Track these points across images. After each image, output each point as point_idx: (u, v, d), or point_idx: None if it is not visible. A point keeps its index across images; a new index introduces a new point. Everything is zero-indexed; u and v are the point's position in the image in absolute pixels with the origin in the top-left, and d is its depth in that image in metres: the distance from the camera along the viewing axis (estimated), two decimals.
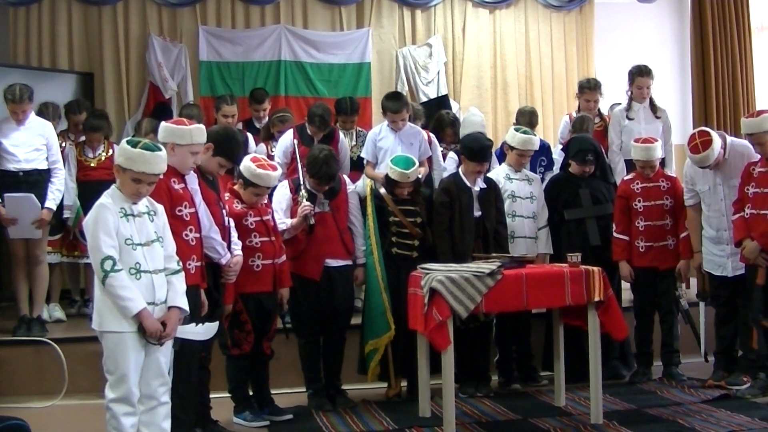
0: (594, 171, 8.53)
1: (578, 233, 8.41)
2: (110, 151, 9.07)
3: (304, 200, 7.40)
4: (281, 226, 7.31)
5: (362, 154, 8.97)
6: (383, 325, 7.68)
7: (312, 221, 7.40)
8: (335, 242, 7.62)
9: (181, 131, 6.11)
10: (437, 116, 9.73)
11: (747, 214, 7.65)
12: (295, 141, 8.45)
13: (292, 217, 7.45)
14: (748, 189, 7.68)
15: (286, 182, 7.49)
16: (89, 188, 8.48)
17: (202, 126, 6.31)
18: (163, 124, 6.29)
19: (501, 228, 8.04)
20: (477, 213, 7.94)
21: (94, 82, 11.43)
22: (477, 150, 7.92)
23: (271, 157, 8.40)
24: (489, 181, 8.09)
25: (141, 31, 11.63)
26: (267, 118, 10.02)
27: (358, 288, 8.04)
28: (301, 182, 7.53)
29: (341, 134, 9.08)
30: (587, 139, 8.79)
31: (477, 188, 7.97)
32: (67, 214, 9.13)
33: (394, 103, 8.79)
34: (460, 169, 8.12)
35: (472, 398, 7.86)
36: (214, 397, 6.96)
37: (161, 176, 5.62)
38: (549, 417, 7.19)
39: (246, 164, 6.97)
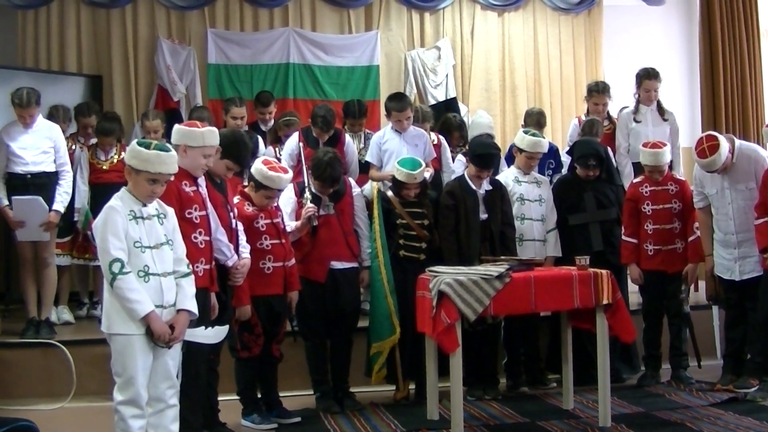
0: (600, 174, 8.51)
1: (582, 238, 8.39)
2: (122, 154, 9.05)
3: (308, 202, 7.41)
4: (286, 229, 7.32)
5: (367, 158, 8.97)
6: (388, 328, 7.67)
7: (315, 223, 7.41)
8: (340, 245, 7.63)
9: (194, 133, 6.13)
10: (444, 119, 9.75)
11: None
12: (301, 144, 8.45)
13: (297, 219, 7.46)
14: None
15: (290, 185, 7.47)
16: (101, 191, 8.48)
17: (214, 129, 6.33)
18: (176, 126, 6.32)
19: (507, 230, 8.04)
20: (483, 216, 7.94)
21: (102, 85, 11.45)
22: (481, 155, 7.92)
23: (278, 160, 8.40)
24: (495, 183, 8.09)
25: (149, 33, 11.66)
26: (273, 121, 10.05)
27: (365, 291, 8.04)
28: (306, 185, 7.54)
29: (348, 137, 9.09)
30: (590, 143, 8.74)
31: (482, 191, 7.97)
32: (77, 216, 9.15)
33: (397, 103, 8.80)
34: (465, 172, 8.12)
35: (480, 401, 7.85)
36: (222, 399, 6.96)
37: (173, 177, 5.64)
38: (557, 420, 7.18)
39: (257, 167, 6.98)
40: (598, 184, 8.51)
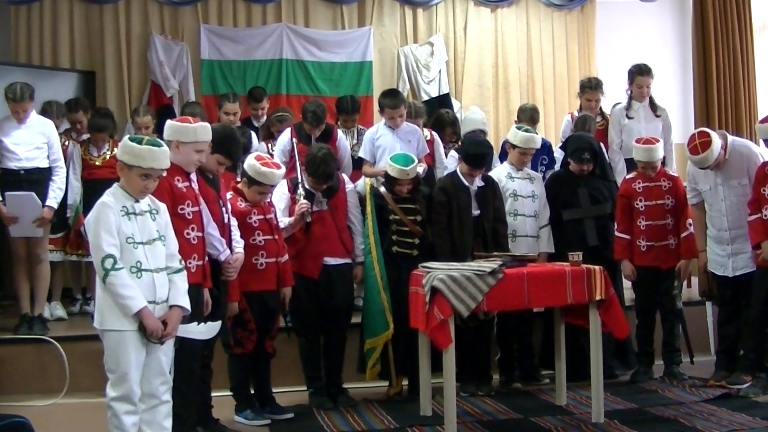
0: (593, 169, 8.52)
1: (576, 233, 8.40)
2: (115, 150, 9.02)
3: (302, 198, 7.41)
4: (279, 225, 7.32)
5: (360, 154, 8.96)
6: (381, 324, 7.68)
7: (308, 219, 7.41)
8: (334, 241, 7.63)
9: (186, 129, 6.12)
10: (436, 115, 9.74)
11: (765, 215, 7.63)
12: (294, 140, 8.44)
13: (290, 216, 7.46)
14: (764, 190, 7.64)
15: (284, 181, 7.48)
16: (94, 187, 8.44)
17: (206, 124, 6.31)
18: (168, 122, 6.31)
19: (500, 226, 8.04)
20: (476, 212, 7.95)
21: (95, 81, 11.43)
22: (473, 155, 7.93)
23: (271, 156, 8.39)
24: (487, 179, 8.09)
25: (143, 29, 11.64)
26: (265, 117, 10.05)
27: (359, 287, 8.04)
28: (300, 181, 7.54)
29: (340, 132, 9.08)
30: (584, 137, 8.77)
31: (475, 187, 7.97)
32: (69, 212, 9.14)
33: (391, 100, 8.79)
34: (457, 168, 8.12)
35: (474, 397, 7.86)
36: (215, 395, 6.96)
37: (165, 173, 5.64)
38: (550, 416, 7.19)
39: (250, 163, 6.98)
40: (591, 179, 8.53)
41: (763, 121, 7.96)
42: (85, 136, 9.43)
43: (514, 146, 8.39)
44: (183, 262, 5.66)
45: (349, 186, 7.89)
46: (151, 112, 9.60)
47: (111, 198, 5.39)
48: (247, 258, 6.78)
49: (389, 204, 7.86)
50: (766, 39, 12.31)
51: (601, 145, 9.04)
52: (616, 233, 8.36)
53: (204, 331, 5.90)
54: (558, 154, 9.59)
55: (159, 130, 8.11)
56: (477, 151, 7.97)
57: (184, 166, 6.10)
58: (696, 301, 9.57)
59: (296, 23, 12.03)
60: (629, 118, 9.67)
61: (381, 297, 7.67)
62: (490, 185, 8.07)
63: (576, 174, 8.51)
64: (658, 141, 8.39)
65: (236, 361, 7.15)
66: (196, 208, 6.10)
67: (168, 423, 5.54)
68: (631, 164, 8.93)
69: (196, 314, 5.84)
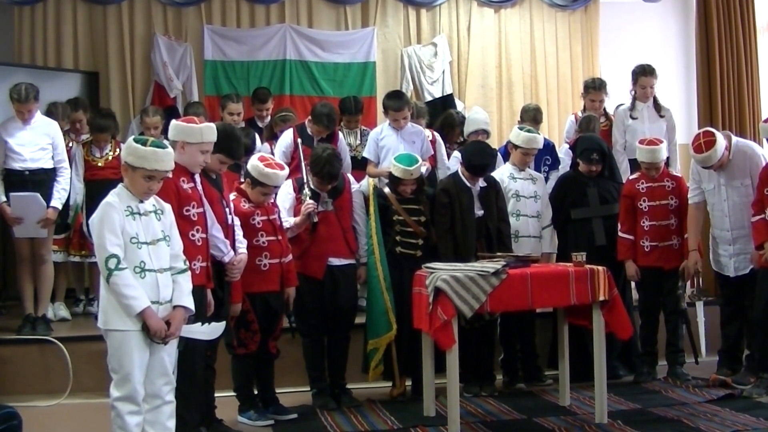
0: (602, 170, 8.52)
1: (584, 233, 8.41)
2: (117, 151, 9.05)
3: (308, 199, 7.41)
4: (285, 225, 7.31)
5: (364, 154, 8.96)
6: (384, 324, 7.68)
7: (315, 219, 7.42)
8: (338, 241, 7.63)
9: (192, 129, 6.12)
10: (446, 115, 9.77)
11: None
12: (299, 140, 8.43)
13: (295, 216, 7.46)
14: None
15: (289, 182, 7.50)
16: (96, 187, 8.48)
17: (212, 125, 6.30)
18: (173, 122, 6.30)
19: (503, 226, 8.04)
20: (479, 212, 7.95)
21: (99, 82, 11.43)
22: (475, 165, 7.93)
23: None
24: (489, 179, 8.09)
25: (146, 30, 11.64)
26: (270, 118, 10.04)
27: (363, 287, 8.04)
28: (305, 181, 7.54)
29: (341, 134, 9.10)
30: (594, 138, 8.77)
31: (477, 188, 7.97)
32: (71, 213, 9.15)
33: (395, 102, 8.79)
34: (459, 170, 8.12)
35: (477, 397, 7.87)
36: (218, 396, 6.96)
37: (170, 174, 5.64)
38: (553, 416, 7.18)
39: (254, 163, 6.98)
40: (600, 180, 8.54)
41: (766, 121, 7.96)
42: (85, 137, 9.44)
43: (516, 147, 8.39)
44: (187, 263, 5.66)
45: (354, 186, 7.90)
46: (160, 113, 9.59)
47: (116, 198, 5.40)
48: (251, 259, 6.78)
49: (393, 204, 7.86)
50: None
51: (608, 146, 9.04)
52: (620, 234, 8.35)
53: (208, 331, 5.89)
54: (562, 155, 9.58)
55: (164, 131, 8.11)
56: (479, 162, 7.95)
57: (189, 167, 6.10)
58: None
59: (300, 24, 12.02)
60: (633, 118, 9.65)
61: (384, 297, 7.67)
62: (493, 185, 8.07)
63: (585, 174, 8.51)
64: (661, 142, 8.39)
65: (240, 362, 7.16)
66: (200, 210, 6.10)
67: (171, 423, 5.55)
68: (635, 165, 8.92)
69: (199, 315, 5.84)
